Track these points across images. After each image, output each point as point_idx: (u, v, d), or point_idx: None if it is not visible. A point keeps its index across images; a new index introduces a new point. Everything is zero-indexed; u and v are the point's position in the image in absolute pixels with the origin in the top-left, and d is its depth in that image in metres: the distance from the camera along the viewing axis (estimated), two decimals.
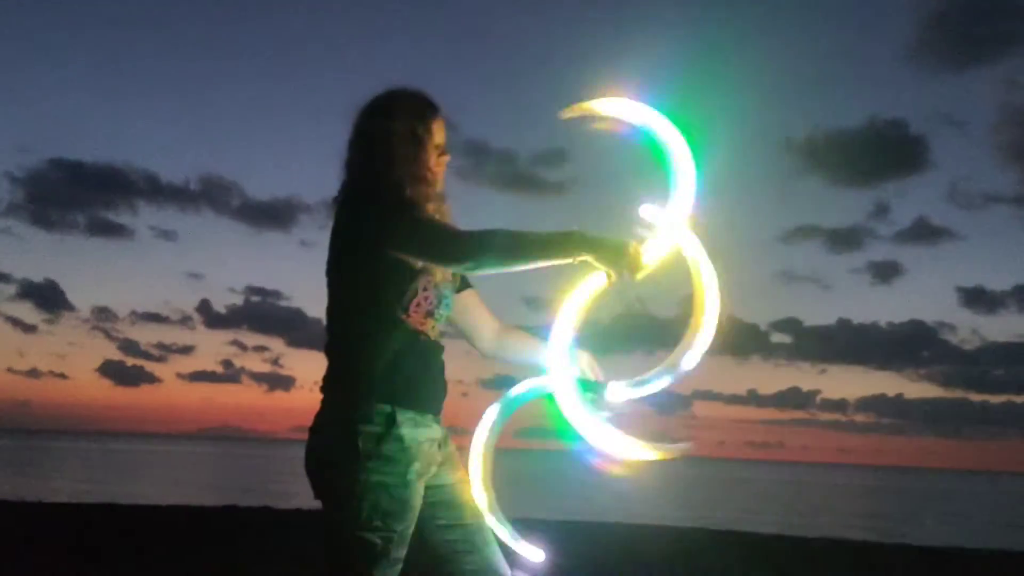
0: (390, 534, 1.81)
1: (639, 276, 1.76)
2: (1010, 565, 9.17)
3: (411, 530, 1.86)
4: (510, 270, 1.86)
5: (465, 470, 2.01)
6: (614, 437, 1.83)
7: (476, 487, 1.99)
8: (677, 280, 1.85)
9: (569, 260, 1.78)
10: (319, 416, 1.90)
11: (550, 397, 1.90)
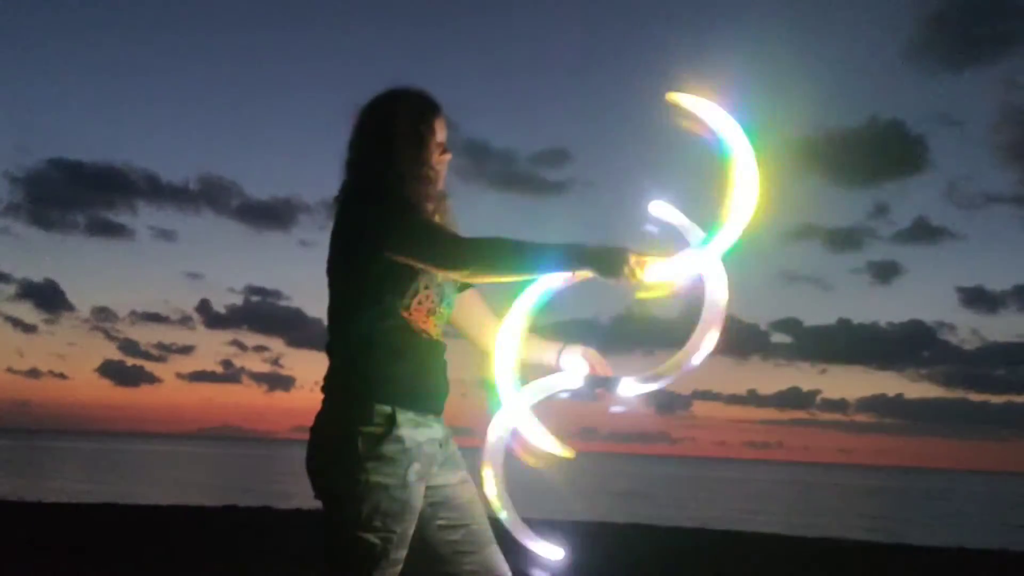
0: (390, 535, 1.80)
1: (641, 292, 1.75)
2: (1010, 565, 9.17)
3: (411, 531, 1.85)
4: (508, 279, 1.87)
5: (466, 470, 2.00)
6: (536, 429, 1.91)
7: (492, 488, 1.97)
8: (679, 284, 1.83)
9: (569, 272, 1.78)
10: (320, 416, 1.89)
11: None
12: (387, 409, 1.82)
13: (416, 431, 1.85)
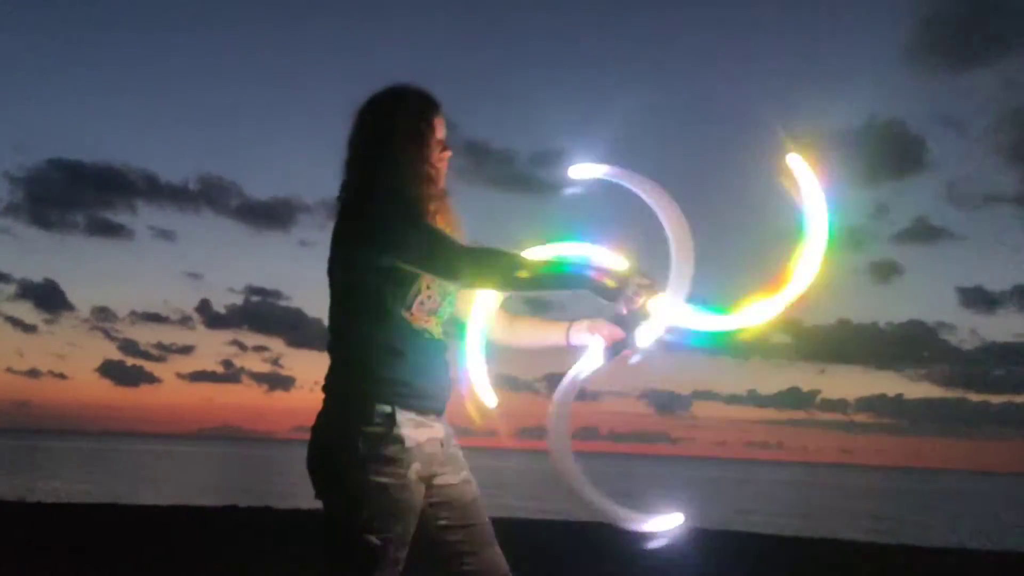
0: (389, 535, 1.80)
1: (641, 318, 1.77)
2: (1011, 565, 9.17)
3: (411, 531, 1.85)
4: (506, 293, 1.87)
5: (468, 470, 1.99)
6: (481, 377, 2.00)
7: (566, 459, 1.95)
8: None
9: (568, 291, 1.79)
10: (320, 416, 1.89)
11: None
12: (388, 409, 1.82)
13: (417, 431, 1.85)
